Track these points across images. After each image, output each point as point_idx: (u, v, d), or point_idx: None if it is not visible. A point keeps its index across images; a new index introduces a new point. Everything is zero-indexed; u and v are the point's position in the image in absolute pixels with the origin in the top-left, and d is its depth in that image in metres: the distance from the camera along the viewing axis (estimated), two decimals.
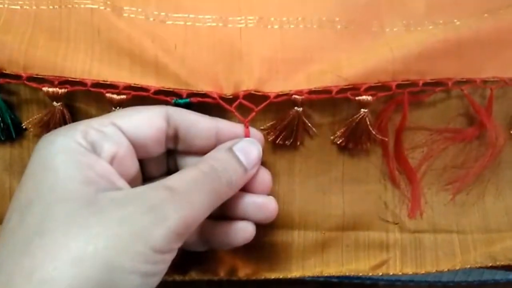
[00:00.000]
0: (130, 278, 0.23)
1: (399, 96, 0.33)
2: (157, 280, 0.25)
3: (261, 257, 0.36)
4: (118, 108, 0.31)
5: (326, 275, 0.36)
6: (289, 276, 0.36)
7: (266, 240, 0.36)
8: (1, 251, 0.24)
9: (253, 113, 0.32)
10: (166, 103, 0.31)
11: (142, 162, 0.31)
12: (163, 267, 0.25)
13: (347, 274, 0.35)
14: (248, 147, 0.30)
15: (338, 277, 0.43)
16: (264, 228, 0.34)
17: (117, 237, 0.23)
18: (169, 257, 0.25)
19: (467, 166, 0.36)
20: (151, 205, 0.25)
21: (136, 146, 0.29)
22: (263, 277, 0.36)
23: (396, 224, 0.36)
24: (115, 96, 0.31)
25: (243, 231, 0.31)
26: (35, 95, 0.32)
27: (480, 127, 0.35)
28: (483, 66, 0.34)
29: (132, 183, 0.28)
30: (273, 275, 0.36)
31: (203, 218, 0.27)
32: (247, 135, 0.32)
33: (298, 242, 0.36)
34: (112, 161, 0.27)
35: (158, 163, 0.32)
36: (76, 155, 0.26)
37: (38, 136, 0.33)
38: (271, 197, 0.32)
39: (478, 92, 0.35)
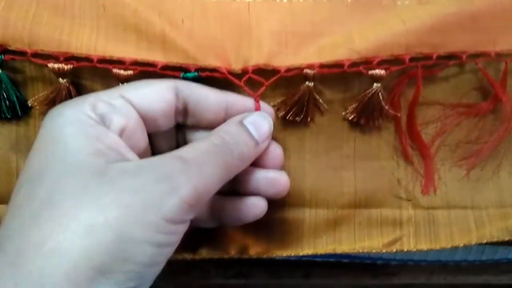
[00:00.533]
0: (142, 248, 0.23)
1: (412, 70, 0.33)
2: (169, 251, 0.25)
3: (272, 235, 0.35)
4: (124, 83, 0.31)
5: (338, 252, 0.35)
6: (300, 253, 0.35)
7: (277, 218, 0.35)
8: (10, 225, 0.24)
9: (263, 87, 0.32)
10: (174, 77, 0.31)
11: (151, 136, 0.30)
12: (176, 238, 0.25)
13: (360, 251, 0.35)
14: (259, 120, 0.30)
15: (349, 256, 0.43)
16: (275, 206, 0.34)
17: (129, 207, 0.23)
18: (182, 228, 0.25)
19: (481, 141, 0.35)
20: (164, 175, 0.24)
21: (146, 119, 0.29)
22: (274, 255, 0.35)
23: (410, 201, 0.35)
24: (122, 71, 0.31)
25: (255, 206, 0.31)
26: (40, 72, 0.32)
27: (495, 101, 0.35)
28: (497, 39, 0.33)
29: (142, 156, 0.28)
30: (284, 253, 0.35)
31: (214, 191, 0.27)
32: (257, 109, 0.31)
33: (310, 220, 0.35)
34: (121, 134, 0.27)
35: (167, 137, 0.32)
36: (85, 127, 0.26)
37: (44, 113, 0.32)
38: (282, 171, 0.31)
39: (492, 66, 0.34)
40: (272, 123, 0.31)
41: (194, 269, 0.45)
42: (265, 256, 0.36)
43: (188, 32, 0.32)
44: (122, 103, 0.28)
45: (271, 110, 0.32)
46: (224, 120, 0.30)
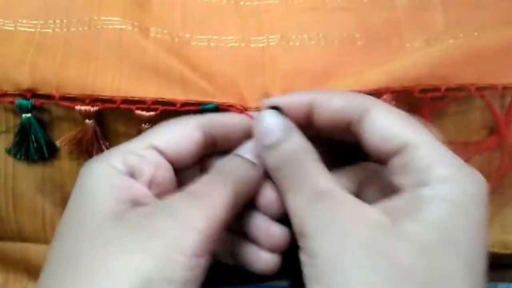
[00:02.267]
0: (170, 287, 0.23)
1: (421, 103, 0.33)
2: (196, 285, 0.25)
3: None
4: (148, 124, 0.32)
5: None
6: None
7: None
8: (47, 276, 0.24)
9: None
10: (194, 112, 0.32)
11: (179, 176, 0.31)
12: (200, 271, 0.25)
13: None
14: (251, 144, 0.30)
15: None
16: None
17: (152, 249, 0.23)
18: (204, 261, 0.25)
19: (491, 178, 0.36)
20: (177, 213, 0.25)
21: (174, 162, 0.29)
22: None
23: None
24: (144, 112, 0.32)
25: (262, 259, 0.30)
26: (67, 114, 0.33)
27: (500, 136, 0.35)
28: (505, 72, 0.34)
29: (167, 192, 0.29)
30: None
31: (228, 219, 0.27)
32: None
33: None
34: (151, 183, 0.28)
35: (194, 171, 0.32)
36: (112, 179, 0.26)
37: (70, 155, 0.34)
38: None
39: (498, 102, 0.35)
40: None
41: None
42: None
43: (206, 74, 0.33)
44: (151, 153, 0.28)
45: None
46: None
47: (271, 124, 0.29)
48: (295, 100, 0.29)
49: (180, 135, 0.30)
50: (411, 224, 0.23)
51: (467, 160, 0.35)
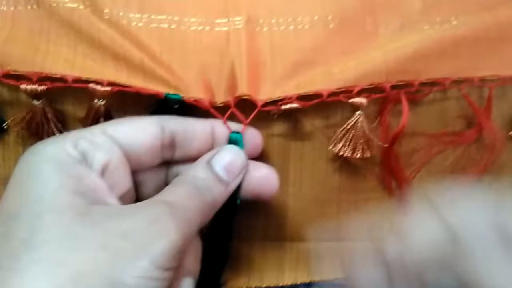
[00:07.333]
0: None
1: (395, 95, 0.32)
2: None
3: (252, 268, 0.35)
4: (101, 100, 0.30)
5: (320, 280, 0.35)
6: (280, 284, 0.35)
7: (257, 252, 0.34)
8: None
9: (244, 127, 0.31)
10: (157, 97, 0.30)
11: (137, 176, 0.29)
12: (165, 284, 0.23)
13: None
14: (227, 158, 0.29)
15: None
16: (255, 239, 0.33)
17: (119, 251, 0.22)
18: (169, 275, 0.24)
19: (468, 171, 0.35)
20: (153, 218, 0.24)
21: (130, 156, 0.28)
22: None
23: None
24: (98, 87, 0.30)
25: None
26: (15, 95, 0.31)
27: (479, 129, 0.34)
28: (481, 65, 0.33)
29: (124, 197, 0.27)
30: (264, 284, 0.35)
31: (193, 237, 0.26)
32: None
33: (291, 253, 0.35)
34: (103, 171, 0.26)
35: (154, 177, 0.31)
36: (65, 166, 0.25)
37: (20, 138, 0.32)
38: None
39: (476, 93, 0.34)
40: (243, 156, 0.30)
41: None
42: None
43: (167, 64, 0.31)
44: (104, 140, 0.27)
45: (258, 137, 0.31)
46: (212, 148, 0.30)
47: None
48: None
49: (137, 126, 0.28)
50: None
51: (443, 151, 0.35)
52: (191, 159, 0.30)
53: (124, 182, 0.28)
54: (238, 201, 0.30)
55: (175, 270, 0.24)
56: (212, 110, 0.31)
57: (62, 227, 0.22)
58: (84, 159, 0.25)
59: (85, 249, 0.22)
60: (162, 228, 0.23)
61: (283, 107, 0.31)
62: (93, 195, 0.24)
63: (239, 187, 0.30)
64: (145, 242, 0.23)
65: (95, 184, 0.25)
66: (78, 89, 0.30)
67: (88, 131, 0.27)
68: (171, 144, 0.29)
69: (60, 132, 0.31)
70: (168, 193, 0.26)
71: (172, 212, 0.24)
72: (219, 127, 0.30)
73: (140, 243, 0.22)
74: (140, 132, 0.28)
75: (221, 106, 0.31)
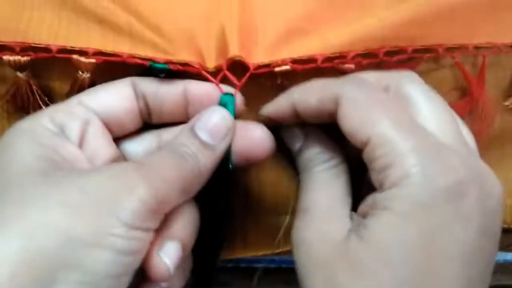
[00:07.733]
0: (95, 253, 0.21)
1: (387, 64, 0.31)
2: (132, 261, 0.23)
3: (248, 238, 0.35)
4: (86, 73, 0.29)
5: None
6: (276, 251, 0.35)
7: (253, 224, 0.34)
8: None
9: (237, 89, 0.30)
10: (142, 67, 0.29)
11: (128, 151, 0.29)
12: (138, 245, 0.23)
13: None
14: (212, 120, 0.28)
15: None
16: (250, 212, 0.33)
17: (78, 206, 0.21)
18: (145, 236, 0.23)
19: None
20: (117, 174, 0.23)
21: (110, 122, 0.28)
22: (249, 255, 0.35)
23: None
24: (82, 59, 0.29)
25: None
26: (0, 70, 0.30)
27: (472, 99, 0.33)
28: (475, 31, 0.32)
29: None
30: (260, 252, 0.35)
31: (176, 202, 0.25)
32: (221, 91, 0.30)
33: (286, 226, 0.34)
34: (81, 142, 0.26)
35: (148, 150, 0.30)
36: (39, 137, 0.24)
37: (6, 112, 0.31)
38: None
39: (469, 61, 0.33)
40: (229, 116, 0.29)
41: None
42: (239, 256, 0.35)
43: (155, 26, 0.30)
44: (80, 110, 0.27)
45: (239, 97, 0.30)
46: (187, 112, 0.29)
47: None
48: (279, 108, 0.30)
49: (111, 91, 0.28)
50: (355, 244, 0.24)
51: None
52: (169, 123, 0.30)
53: (106, 151, 0.27)
54: (230, 166, 0.29)
55: (153, 231, 0.24)
56: (204, 73, 0.30)
57: (22, 187, 0.22)
58: (61, 131, 0.26)
59: (43, 207, 0.21)
60: (126, 184, 0.23)
61: (276, 69, 0.30)
62: (69, 165, 0.24)
63: (229, 151, 0.29)
64: (108, 196, 0.22)
65: (72, 155, 0.25)
66: (63, 63, 0.29)
67: (65, 103, 0.27)
68: (146, 107, 0.29)
69: (47, 105, 0.30)
70: (146, 156, 0.26)
71: (138, 167, 0.24)
72: (194, 89, 0.29)
73: (102, 198, 0.22)
74: (114, 96, 0.28)
75: (213, 71, 0.30)
